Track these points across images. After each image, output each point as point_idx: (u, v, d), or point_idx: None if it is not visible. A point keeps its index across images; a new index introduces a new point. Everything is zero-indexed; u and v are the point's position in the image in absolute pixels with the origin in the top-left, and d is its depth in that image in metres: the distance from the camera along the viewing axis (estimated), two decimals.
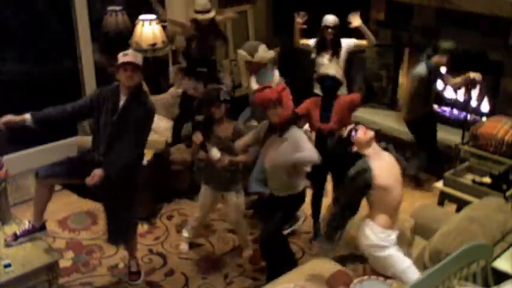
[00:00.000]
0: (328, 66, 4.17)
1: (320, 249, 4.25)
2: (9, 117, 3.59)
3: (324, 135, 4.06)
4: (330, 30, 5.05)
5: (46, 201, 3.73)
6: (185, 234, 4.50)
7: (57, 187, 3.87)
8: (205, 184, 4.23)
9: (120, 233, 3.91)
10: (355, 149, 3.20)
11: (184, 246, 4.50)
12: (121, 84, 3.65)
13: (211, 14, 5.05)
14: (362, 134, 3.18)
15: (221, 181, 4.09)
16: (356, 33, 5.10)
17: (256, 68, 4.50)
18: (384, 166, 3.17)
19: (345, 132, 3.24)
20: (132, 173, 3.73)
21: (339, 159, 3.49)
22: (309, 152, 3.59)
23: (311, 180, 4.42)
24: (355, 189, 3.14)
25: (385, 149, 3.35)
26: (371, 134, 3.19)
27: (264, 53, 4.42)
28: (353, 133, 3.20)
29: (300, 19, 5.10)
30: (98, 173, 3.46)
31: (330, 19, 5.05)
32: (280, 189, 3.81)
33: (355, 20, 5.04)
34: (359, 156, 3.19)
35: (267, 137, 3.73)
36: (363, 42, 5.11)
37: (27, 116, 3.61)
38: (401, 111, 5.43)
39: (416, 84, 5.01)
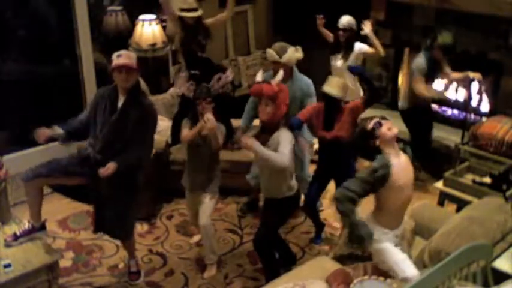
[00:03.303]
0: (331, 81, 4.08)
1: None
2: (47, 133, 3.69)
3: (327, 143, 4.01)
4: (341, 32, 5.07)
5: (39, 202, 3.73)
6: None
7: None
8: (187, 189, 4.24)
9: (119, 230, 3.92)
10: (377, 143, 3.11)
11: (196, 238, 4.56)
12: (118, 85, 3.66)
13: (198, 13, 4.93)
14: (386, 129, 3.10)
15: (198, 182, 4.10)
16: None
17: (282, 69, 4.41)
18: (401, 165, 3.13)
19: (369, 125, 3.13)
20: (134, 171, 3.74)
21: (359, 151, 3.42)
22: (280, 155, 3.48)
23: (310, 185, 4.41)
24: (374, 179, 3.06)
25: (403, 150, 3.28)
26: (395, 131, 3.12)
27: (292, 54, 4.29)
28: (377, 126, 3.11)
29: (319, 21, 5.19)
30: (112, 166, 3.51)
31: (342, 20, 5.08)
32: (273, 191, 3.77)
33: (366, 27, 5.09)
34: (378, 151, 3.12)
35: (258, 138, 3.65)
36: (371, 50, 5.13)
37: (61, 132, 3.71)
38: (399, 103, 5.33)
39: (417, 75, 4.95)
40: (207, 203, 4.09)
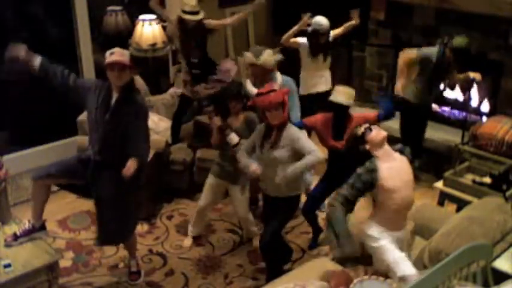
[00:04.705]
0: (338, 90, 4.04)
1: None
2: (22, 51, 3.60)
3: (338, 153, 3.98)
4: (324, 36, 5.00)
5: (44, 202, 3.75)
6: (190, 229, 4.57)
7: (56, 188, 3.88)
8: (213, 175, 4.28)
9: (119, 232, 3.89)
10: (367, 147, 3.25)
11: (187, 242, 4.55)
12: (111, 82, 3.65)
13: (199, 16, 4.94)
14: (375, 134, 3.24)
15: (231, 172, 4.16)
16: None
17: (259, 72, 4.36)
18: (392, 168, 3.20)
19: (359, 131, 3.29)
20: (137, 171, 3.73)
21: (352, 156, 3.48)
22: (312, 155, 3.56)
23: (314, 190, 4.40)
24: (360, 184, 3.19)
25: (400, 151, 3.36)
26: (383, 134, 3.25)
27: (269, 56, 4.30)
28: (367, 132, 3.26)
29: (307, 19, 5.06)
30: (133, 163, 3.50)
31: (324, 25, 4.97)
32: (285, 191, 3.78)
33: (356, 18, 5.17)
34: (369, 155, 3.24)
35: (266, 140, 3.69)
36: (338, 30, 5.18)
37: (37, 60, 3.64)
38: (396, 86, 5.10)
39: (421, 65, 4.93)
40: (240, 197, 4.24)
